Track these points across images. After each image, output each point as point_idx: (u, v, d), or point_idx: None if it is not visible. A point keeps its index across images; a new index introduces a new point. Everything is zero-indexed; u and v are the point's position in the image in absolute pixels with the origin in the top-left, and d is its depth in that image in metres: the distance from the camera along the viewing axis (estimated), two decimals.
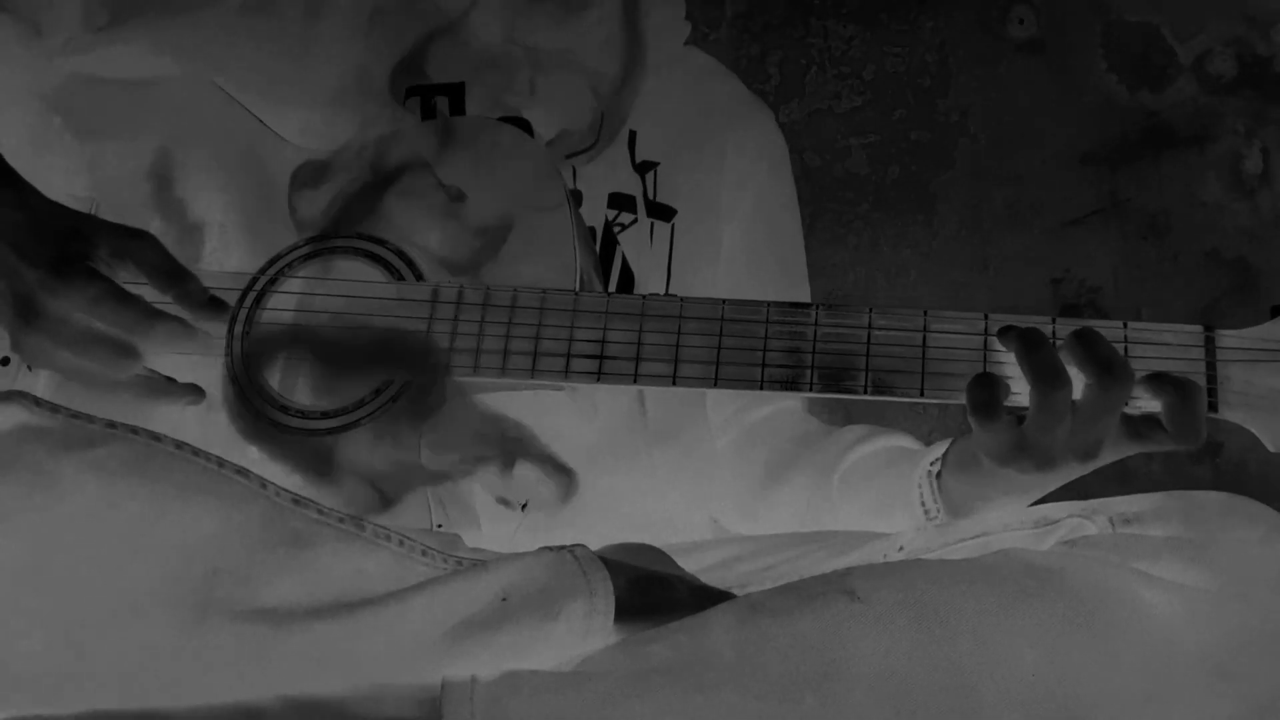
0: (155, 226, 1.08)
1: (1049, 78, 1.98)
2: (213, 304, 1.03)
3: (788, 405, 1.31)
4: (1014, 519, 1.05)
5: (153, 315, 1.00)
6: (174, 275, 1.02)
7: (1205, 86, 1.96)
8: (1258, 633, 0.88)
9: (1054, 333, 0.95)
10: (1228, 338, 0.96)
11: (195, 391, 1.04)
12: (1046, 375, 0.92)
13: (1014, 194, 1.95)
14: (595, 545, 0.95)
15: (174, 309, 1.03)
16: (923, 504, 1.08)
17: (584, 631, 0.88)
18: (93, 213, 1.10)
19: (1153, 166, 1.95)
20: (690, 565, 1.02)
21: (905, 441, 1.20)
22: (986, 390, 0.93)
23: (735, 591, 1.00)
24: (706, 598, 0.95)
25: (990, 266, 1.93)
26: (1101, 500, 1.00)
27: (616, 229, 1.23)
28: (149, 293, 1.02)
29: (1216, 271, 1.91)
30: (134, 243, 1.01)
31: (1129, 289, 1.88)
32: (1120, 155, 1.96)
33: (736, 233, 1.32)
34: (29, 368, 1.06)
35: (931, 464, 1.08)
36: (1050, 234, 1.94)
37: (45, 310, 0.97)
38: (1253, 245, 1.91)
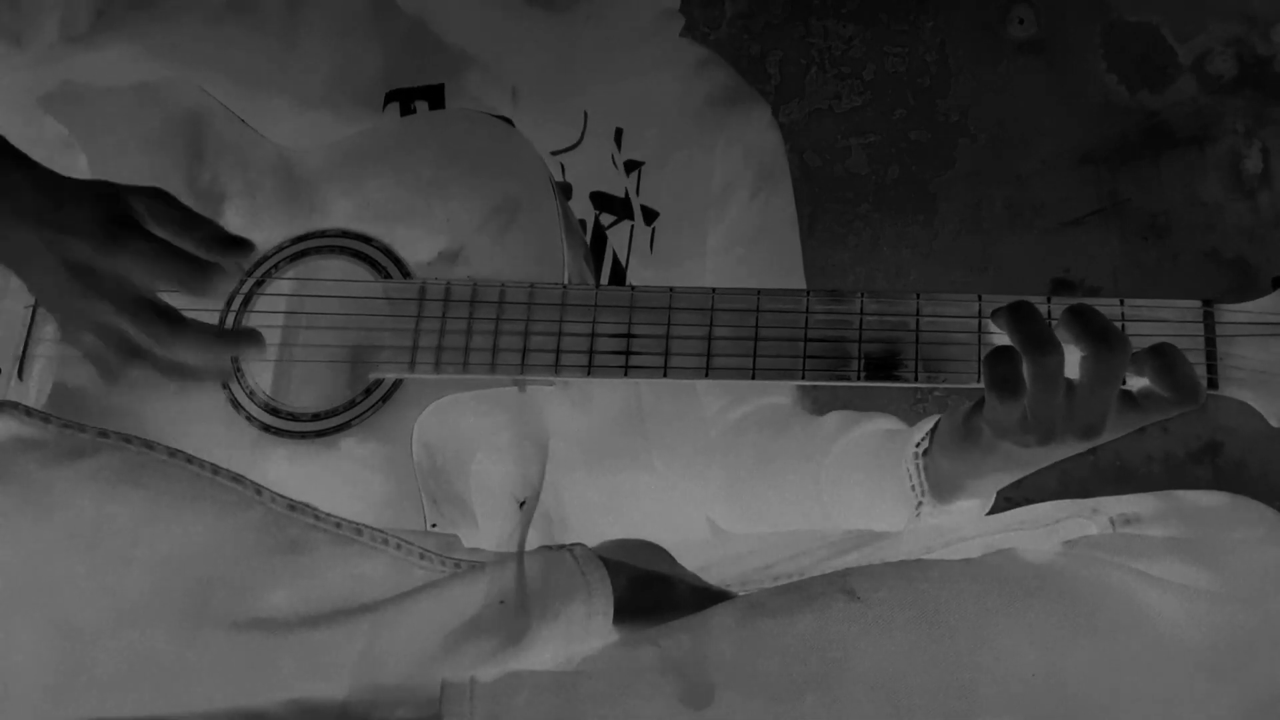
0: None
1: (1049, 78, 1.98)
2: (236, 242, 1.01)
3: (770, 400, 1.30)
4: (1014, 519, 1.05)
5: (206, 267, 0.98)
6: (193, 223, 1.00)
7: (1205, 86, 1.96)
8: (1257, 633, 0.88)
9: (1049, 312, 0.94)
10: (1227, 312, 0.95)
11: (256, 340, 1.02)
12: (1036, 343, 0.90)
13: (1014, 194, 1.95)
14: (594, 544, 0.95)
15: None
16: (913, 487, 1.08)
17: (583, 631, 0.88)
18: None
19: (1153, 166, 1.95)
20: (690, 564, 1.02)
21: (887, 423, 1.19)
22: (1007, 363, 0.90)
23: (735, 591, 1.00)
24: (706, 597, 0.95)
25: (990, 266, 1.93)
26: (1102, 500, 1.00)
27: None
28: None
29: (1216, 271, 1.91)
30: (155, 201, 1.00)
31: (1129, 289, 1.88)
32: (1120, 155, 1.95)
33: (727, 230, 1.31)
34: (19, 377, 1.06)
35: (917, 444, 1.08)
36: (1050, 234, 1.94)
37: (103, 272, 0.95)
38: (1253, 245, 1.91)
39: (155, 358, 0.97)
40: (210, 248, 1.00)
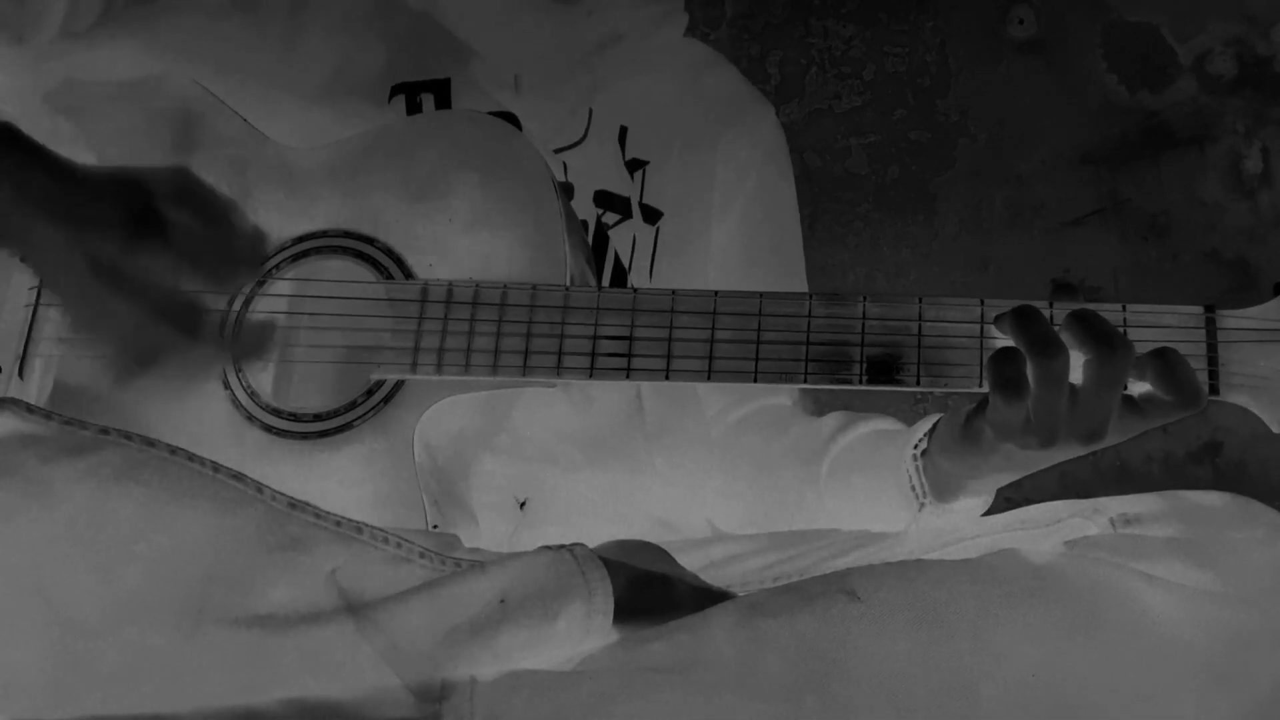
0: None
1: (1049, 78, 1.98)
2: (256, 234, 0.99)
3: (771, 401, 1.30)
4: (1014, 519, 1.05)
5: (225, 267, 0.97)
6: (215, 211, 0.98)
7: (1205, 86, 1.96)
8: (1258, 633, 0.88)
9: (1052, 317, 0.94)
10: (1229, 318, 0.95)
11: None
12: (1041, 346, 0.91)
13: (1014, 194, 1.95)
14: (594, 543, 0.95)
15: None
16: (913, 488, 1.08)
17: (583, 631, 0.88)
18: None
19: (1153, 166, 1.95)
20: (690, 564, 1.02)
21: (885, 424, 1.19)
22: (1012, 365, 0.91)
23: (735, 591, 1.00)
24: (706, 597, 0.95)
25: (990, 266, 1.93)
26: (1102, 500, 1.00)
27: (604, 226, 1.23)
28: None
29: (1216, 271, 1.91)
30: (178, 186, 0.98)
31: (1129, 289, 1.88)
32: (1120, 155, 1.96)
33: (730, 229, 1.32)
34: (19, 376, 1.06)
35: (916, 445, 1.08)
36: (1050, 234, 1.94)
37: (126, 272, 0.93)
38: (1253, 245, 1.91)
39: (169, 360, 0.97)
40: (231, 236, 0.98)
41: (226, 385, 1.06)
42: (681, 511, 1.26)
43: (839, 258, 1.95)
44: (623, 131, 1.27)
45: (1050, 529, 1.01)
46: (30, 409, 0.89)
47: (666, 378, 0.99)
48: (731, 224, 1.32)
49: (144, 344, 0.95)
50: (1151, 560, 0.92)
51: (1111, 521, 0.98)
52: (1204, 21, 1.96)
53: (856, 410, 1.23)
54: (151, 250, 0.94)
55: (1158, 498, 0.99)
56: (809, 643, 0.85)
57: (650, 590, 0.94)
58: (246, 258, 0.98)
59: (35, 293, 1.09)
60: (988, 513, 1.09)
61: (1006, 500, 1.08)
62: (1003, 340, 0.95)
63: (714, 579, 1.01)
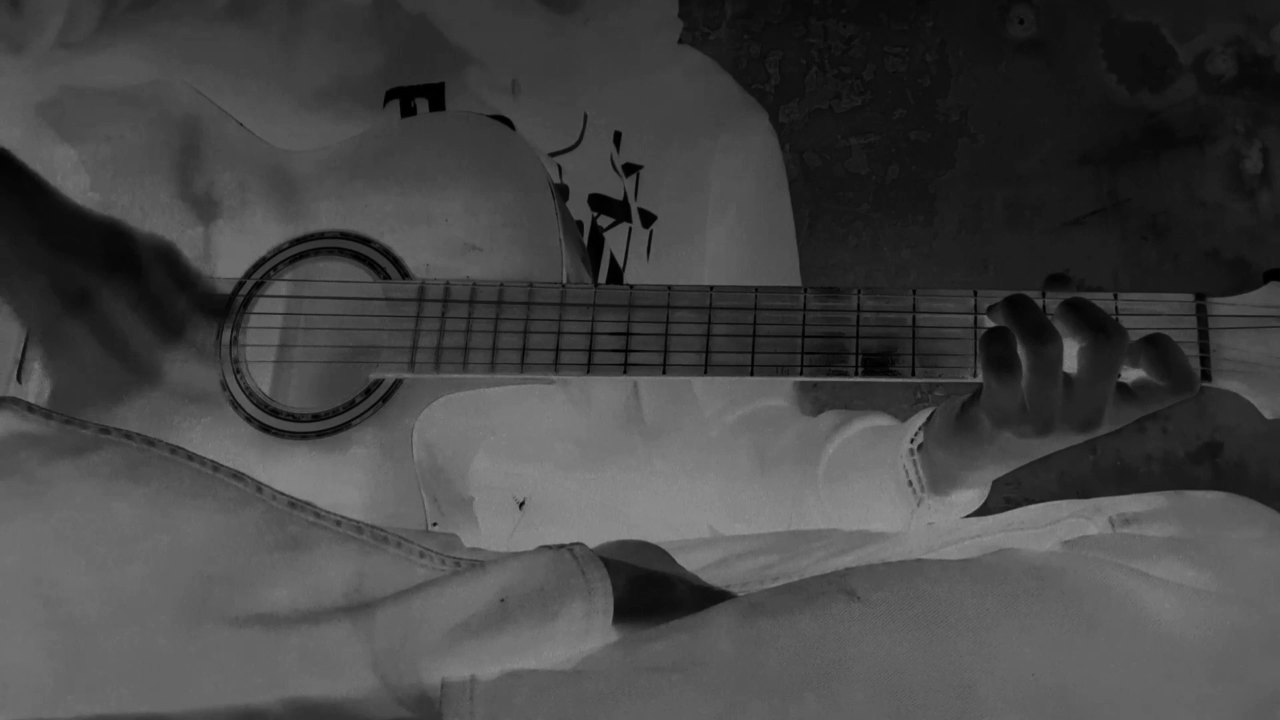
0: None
1: (1049, 78, 1.98)
2: (220, 298, 1.06)
3: (768, 402, 1.30)
4: (1014, 519, 1.05)
5: (175, 334, 1.03)
6: (188, 282, 1.05)
7: (1205, 86, 1.96)
8: (1257, 633, 0.88)
9: (1045, 307, 0.94)
10: (1219, 305, 0.95)
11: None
12: (1035, 333, 0.91)
13: (1014, 194, 1.95)
14: (594, 543, 0.95)
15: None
16: (909, 482, 1.08)
17: (583, 631, 0.87)
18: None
19: (1153, 166, 1.95)
20: (690, 564, 1.02)
21: (880, 421, 1.20)
22: (1002, 343, 0.92)
23: (735, 591, 1.00)
24: (706, 597, 0.95)
25: (990, 266, 1.93)
26: (1102, 500, 1.00)
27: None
28: None
29: (1216, 271, 1.91)
30: (161, 254, 1.03)
31: (1128, 289, 1.87)
32: (1120, 155, 1.96)
33: (723, 233, 1.32)
34: (18, 379, 1.06)
35: (912, 439, 1.08)
36: (1050, 234, 1.94)
37: (92, 303, 0.98)
38: (1253, 245, 1.91)
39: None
40: (193, 309, 1.05)
41: (225, 386, 1.06)
42: (681, 511, 1.26)
43: (839, 258, 1.95)
44: (617, 136, 1.28)
45: (1050, 529, 1.01)
46: (30, 408, 0.89)
47: (664, 372, 1.00)
48: (725, 228, 1.32)
49: (107, 378, 1.00)
50: (1151, 560, 0.92)
51: (1111, 521, 0.98)
52: (1204, 21, 1.96)
53: (856, 408, 1.23)
54: (122, 287, 0.98)
55: (1157, 497, 0.99)
56: (809, 642, 0.85)
57: (650, 590, 0.94)
58: (207, 314, 1.04)
59: None
60: (987, 512, 1.09)
61: (1006, 500, 1.08)
62: None
63: (714, 579, 1.01)
